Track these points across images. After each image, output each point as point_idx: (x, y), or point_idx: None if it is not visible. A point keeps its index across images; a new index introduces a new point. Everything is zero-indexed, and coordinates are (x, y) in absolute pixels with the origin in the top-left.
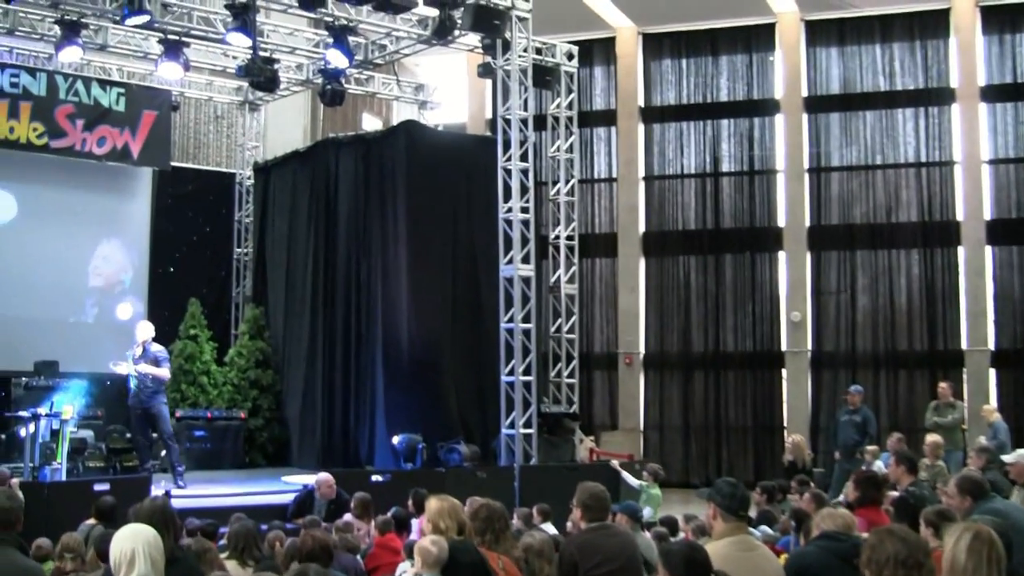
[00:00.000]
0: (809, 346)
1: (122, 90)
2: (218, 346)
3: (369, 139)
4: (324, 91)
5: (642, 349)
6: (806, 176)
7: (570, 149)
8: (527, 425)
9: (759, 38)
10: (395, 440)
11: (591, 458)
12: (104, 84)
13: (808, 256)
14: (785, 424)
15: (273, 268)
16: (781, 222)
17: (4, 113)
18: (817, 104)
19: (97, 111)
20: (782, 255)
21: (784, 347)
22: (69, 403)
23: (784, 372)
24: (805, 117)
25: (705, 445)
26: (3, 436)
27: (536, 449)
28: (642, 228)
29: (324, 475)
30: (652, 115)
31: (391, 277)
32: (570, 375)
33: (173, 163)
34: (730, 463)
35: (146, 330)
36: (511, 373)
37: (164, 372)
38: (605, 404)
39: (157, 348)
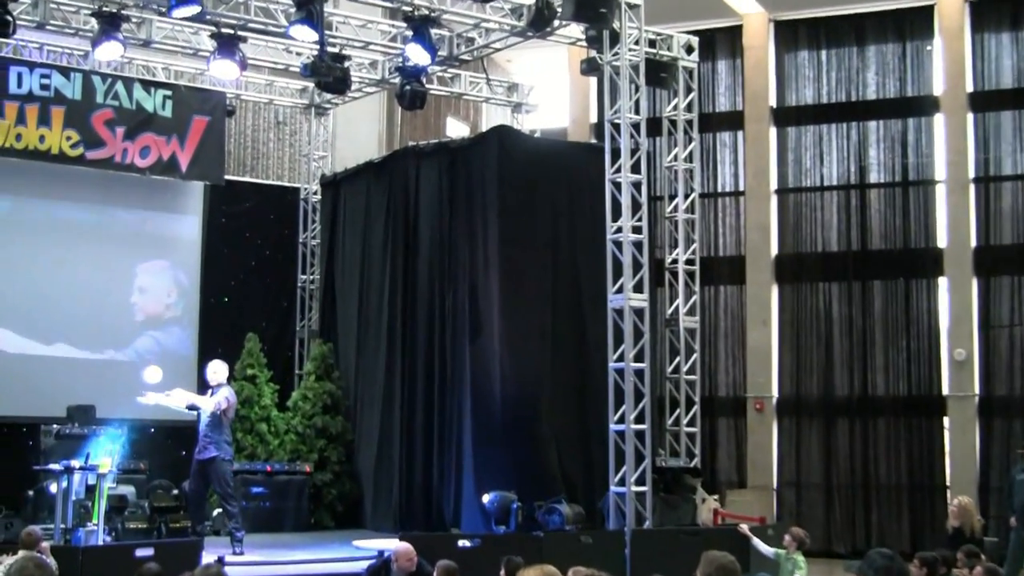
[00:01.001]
0: (976, 389)
1: (168, 93)
2: (279, 388)
3: (454, 148)
4: (402, 92)
5: (775, 393)
6: (972, 187)
7: (689, 158)
8: (640, 482)
9: (914, 24)
10: (485, 499)
11: (715, 521)
12: (148, 86)
13: (975, 282)
14: (948, 483)
15: (344, 298)
16: (941, 242)
17: (33, 120)
18: (985, 101)
19: (140, 117)
20: (943, 281)
21: (946, 390)
22: (107, 454)
23: (946, 420)
24: (970, 117)
25: (851, 507)
26: (31, 493)
27: (651, 510)
28: (775, 250)
29: (403, 546)
30: (786, 117)
31: (481, 308)
32: (690, 423)
33: (228, 176)
34: (881, 529)
35: (219, 372)
36: (621, 421)
37: (205, 402)
38: (731, 458)
39: (223, 391)
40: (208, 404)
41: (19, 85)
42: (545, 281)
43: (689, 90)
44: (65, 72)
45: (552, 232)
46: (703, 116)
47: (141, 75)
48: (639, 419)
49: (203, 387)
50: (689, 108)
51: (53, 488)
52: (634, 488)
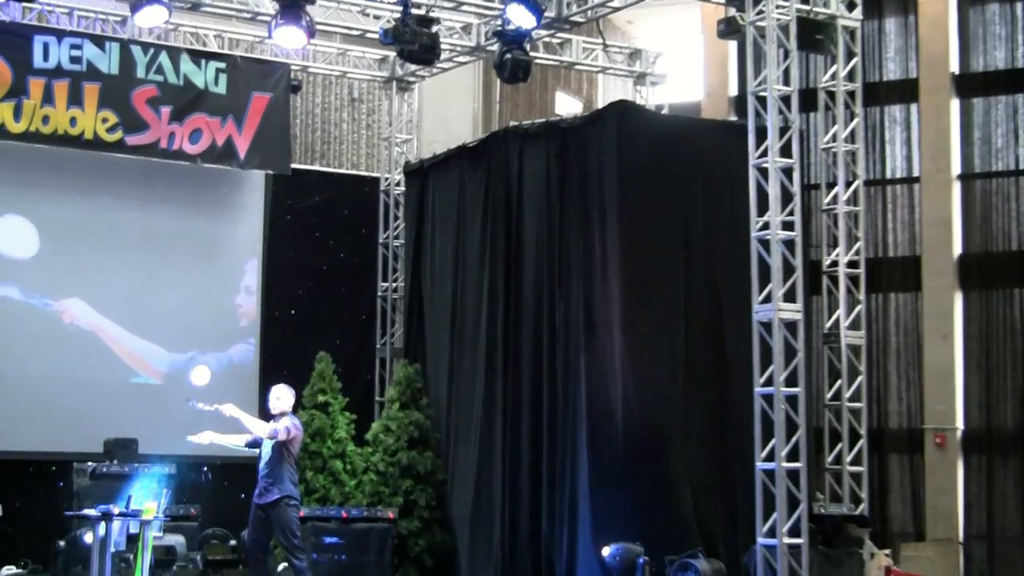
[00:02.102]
0: None
1: (223, 65)
2: (357, 419)
3: (565, 128)
4: (502, 62)
5: (960, 424)
6: None
7: (852, 138)
8: (794, 532)
9: None
10: (606, 552)
11: None
12: (198, 57)
13: None
14: None
15: (433, 310)
16: None
17: (63, 99)
18: None
19: (189, 95)
20: None
21: None
22: (152, 497)
23: None
24: None
25: None
26: (62, 543)
27: (807, 567)
28: (958, 249)
29: None
30: (971, 86)
31: (599, 322)
32: (855, 461)
33: (293, 165)
34: None
35: (283, 398)
36: (770, 458)
37: (257, 426)
38: (906, 503)
39: (288, 419)
40: (261, 429)
41: (45, 58)
42: (676, 289)
43: (851, 55)
44: (99, 42)
45: (684, 230)
46: (868, 86)
47: (190, 45)
48: (792, 456)
49: (265, 418)
50: (851, 77)
51: (88, 538)
52: (787, 540)
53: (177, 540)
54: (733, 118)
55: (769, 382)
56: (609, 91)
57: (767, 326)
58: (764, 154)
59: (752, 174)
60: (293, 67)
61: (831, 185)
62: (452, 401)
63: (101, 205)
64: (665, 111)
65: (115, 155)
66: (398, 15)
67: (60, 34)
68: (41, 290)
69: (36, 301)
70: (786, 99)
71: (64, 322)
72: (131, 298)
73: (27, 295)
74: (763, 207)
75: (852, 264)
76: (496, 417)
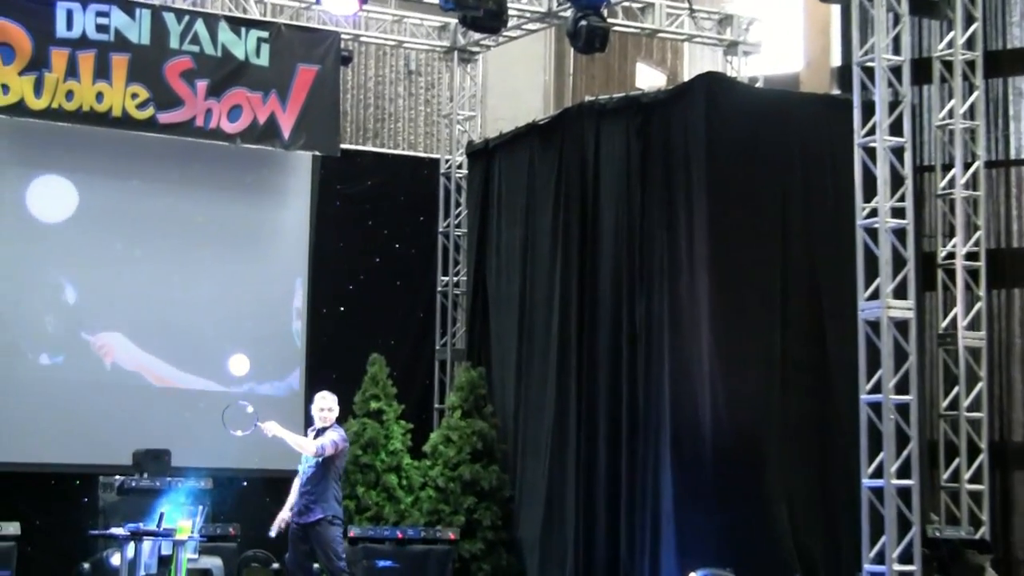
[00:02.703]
0: None
1: (265, 34)
2: (414, 428)
3: (647, 104)
4: (576, 30)
5: None
6: None
7: (970, 113)
8: (905, 558)
9: None
10: None
11: None
12: (238, 26)
13: None
14: None
15: (499, 308)
16: None
17: (88, 72)
18: None
19: (228, 67)
20: None
21: None
22: (186, 515)
23: None
24: None
25: None
26: (87, 566)
27: None
28: None
29: None
30: None
31: (684, 322)
32: (974, 479)
33: (343, 145)
34: None
35: (333, 410)
36: (878, 474)
37: (305, 444)
38: None
39: (334, 432)
40: (308, 447)
41: (69, 27)
42: (771, 284)
43: (970, 20)
44: (129, 8)
45: (780, 217)
46: (990, 55)
47: (228, 11)
48: (903, 472)
49: (309, 424)
50: (970, 45)
51: (115, 560)
52: (897, 567)
53: (214, 563)
54: (836, 92)
55: (877, 389)
56: (696, 62)
57: (874, 325)
58: (871, 132)
59: (858, 155)
60: (343, 36)
61: (947, 167)
62: (520, 409)
63: (129, 190)
64: (759, 84)
65: (145, 134)
66: None
67: (85, 0)
68: (56, 283)
69: (52, 295)
70: (896, 70)
71: (87, 320)
72: (162, 292)
73: (40, 288)
74: (870, 192)
75: (971, 256)
76: (569, 427)
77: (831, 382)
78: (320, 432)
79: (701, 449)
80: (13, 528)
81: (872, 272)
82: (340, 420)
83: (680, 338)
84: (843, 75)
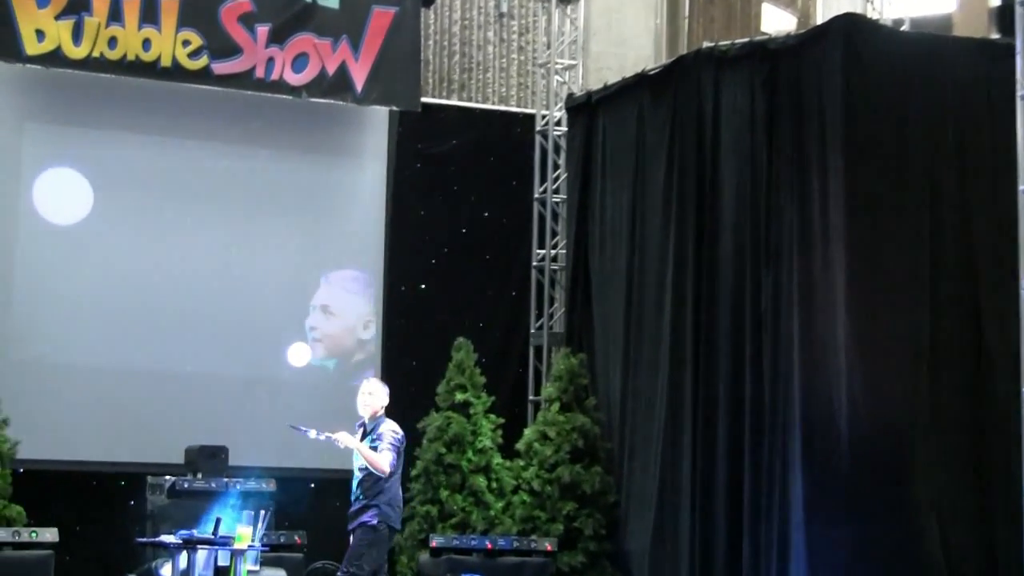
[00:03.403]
0: None
1: None
2: (505, 423)
3: (775, 50)
4: None
5: None
6: None
7: None
8: None
9: None
10: None
11: None
12: None
13: None
14: None
15: (604, 285)
16: None
17: (134, 16)
18: None
19: (292, 10)
20: None
21: None
22: (246, 521)
23: None
24: None
25: None
26: None
27: None
28: None
29: None
30: None
31: (817, 303)
32: None
33: (425, 99)
34: None
35: (374, 395)
36: None
37: (380, 460)
38: None
39: (387, 427)
40: (382, 463)
41: None
42: (919, 257)
43: None
44: None
45: (930, 180)
46: None
47: None
48: None
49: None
50: None
51: (166, 571)
52: None
53: (278, 575)
54: (995, 36)
55: None
56: (831, 3)
57: None
58: None
59: (1020, 107)
60: None
61: None
62: (627, 402)
63: (179, 151)
64: (905, 27)
65: (198, 86)
66: None
67: None
68: (98, 260)
69: (93, 274)
70: None
71: (130, 298)
72: (217, 267)
73: (80, 265)
74: None
75: None
76: (684, 423)
77: (987, 371)
78: (375, 430)
79: (836, 450)
80: (50, 535)
81: None
82: (417, 414)
83: (812, 321)
84: (1003, 16)
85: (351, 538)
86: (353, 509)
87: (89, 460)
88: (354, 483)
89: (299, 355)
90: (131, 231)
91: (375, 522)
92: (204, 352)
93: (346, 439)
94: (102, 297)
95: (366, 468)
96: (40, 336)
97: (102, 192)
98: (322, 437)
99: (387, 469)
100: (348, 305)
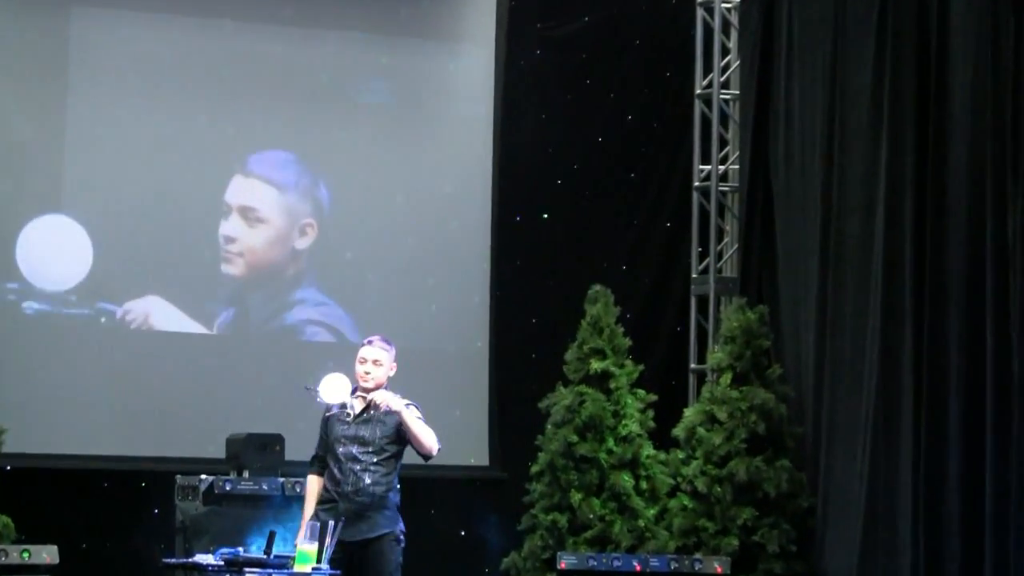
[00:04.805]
0: None
1: None
2: (658, 400)
3: None
4: None
5: None
6: None
7: None
8: None
9: None
10: None
11: None
12: None
13: None
14: None
15: (791, 214)
16: None
17: None
18: None
19: None
20: None
21: None
22: (309, 536)
23: None
24: None
25: None
26: None
27: None
28: None
29: None
30: None
31: None
32: None
33: None
34: None
35: (382, 364)
36: None
37: (430, 435)
38: None
39: (400, 399)
40: (427, 440)
41: None
42: None
43: None
44: None
45: None
46: None
47: None
48: None
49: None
50: None
51: None
52: None
53: None
54: None
55: None
56: None
57: None
58: None
59: None
60: None
61: None
62: (825, 373)
63: (218, 35)
64: None
65: None
66: None
67: None
68: (117, 182)
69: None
70: None
71: (148, 233)
72: (283, 181)
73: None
74: None
75: None
76: (902, 401)
77: None
78: (368, 404)
79: None
80: (48, 554)
81: None
82: (539, 387)
83: None
84: None
85: (362, 554)
86: (355, 510)
87: (97, 454)
88: (357, 468)
89: (333, 389)
90: (148, 137)
91: (400, 534)
92: (248, 310)
93: (386, 398)
94: (106, 221)
95: (373, 452)
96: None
97: (110, 85)
98: (350, 401)
99: (429, 448)
100: (444, 247)
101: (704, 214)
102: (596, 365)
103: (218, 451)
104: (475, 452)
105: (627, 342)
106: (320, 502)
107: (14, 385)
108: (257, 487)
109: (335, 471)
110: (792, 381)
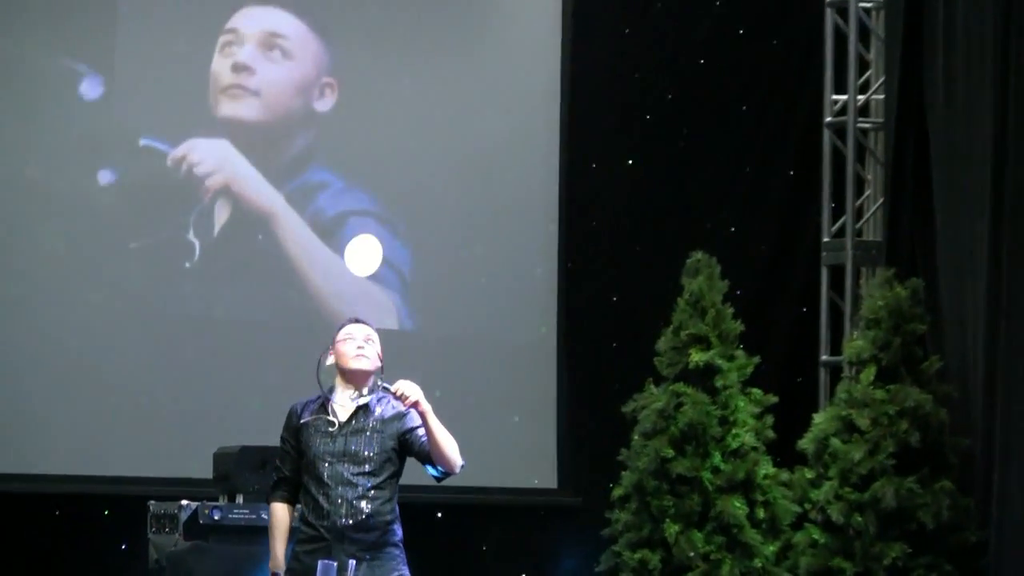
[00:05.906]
0: None
1: None
2: (779, 403)
3: None
4: None
5: None
6: None
7: None
8: None
9: None
10: None
11: None
12: None
13: None
14: None
15: (952, 163)
16: None
17: None
18: None
19: None
20: None
21: None
22: None
23: None
24: None
25: None
26: None
27: None
28: None
29: None
30: None
31: None
32: None
33: None
34: None
35: (375, 341)
36: None
37: (446, 443)
38: None
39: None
40: (450, 449)
41: None
42: None
43: None
44: None
45: None
46: None
47: None
48: None
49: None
50: None
51: None
52: None
53: None
54: None
55: None
56: None
57: None
58: None
59: None
60: None
61: None
62: (998, 367)
63: None
64: None
65: None
66: None
67: None
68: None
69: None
70: None
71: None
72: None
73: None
74: None
75: None
76: None
77: None
78: (372, 402)
79: None
80: None
81: None
82: (623, 388)
83: None
84: None
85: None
86: (356, 546)
87: (48, 474)
88: (351, 495)
89: (362, 259)
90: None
91: (400, 558)
92: (253, 299)
93: (406, 389)
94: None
95: (367, 471)
96: None
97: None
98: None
99: (460, 463)
100: (500, 203)
101: (839, 159)
102: (697, 357)
103: (204, 470)
104: (540, 471)
105: (738, 327)
106: (300, 541)
107: None
108: (254, 516)
109: (319, 499)
110: (955, 378)
